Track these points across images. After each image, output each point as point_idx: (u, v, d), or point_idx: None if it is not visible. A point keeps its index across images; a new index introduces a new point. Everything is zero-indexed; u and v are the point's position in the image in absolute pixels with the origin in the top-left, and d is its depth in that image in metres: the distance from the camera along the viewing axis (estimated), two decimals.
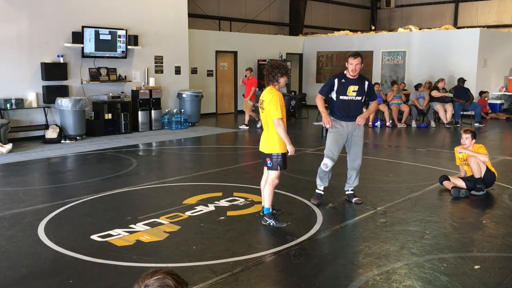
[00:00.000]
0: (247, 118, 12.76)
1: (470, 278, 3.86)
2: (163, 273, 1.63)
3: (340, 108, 5.75)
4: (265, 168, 5.23)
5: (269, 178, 5.12)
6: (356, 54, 5.70)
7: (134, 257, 4.27)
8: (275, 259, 4.27)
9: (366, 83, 5.80)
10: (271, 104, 4.91)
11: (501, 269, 4.08)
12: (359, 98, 5.75)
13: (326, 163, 5.80)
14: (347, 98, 5.72)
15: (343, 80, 5.73)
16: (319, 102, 5.91)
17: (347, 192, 6.06)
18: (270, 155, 5.05)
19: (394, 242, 4.67)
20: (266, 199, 5.15)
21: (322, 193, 5.94)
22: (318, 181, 5.95)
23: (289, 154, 5.07)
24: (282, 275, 3.97)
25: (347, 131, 5.78)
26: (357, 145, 5.86)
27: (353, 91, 5.71)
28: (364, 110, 6.01)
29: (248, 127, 12.54)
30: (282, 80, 5.03)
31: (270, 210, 5.16)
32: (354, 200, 5.96)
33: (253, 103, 12.61)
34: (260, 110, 5.14)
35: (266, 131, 5.09)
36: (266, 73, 5.05)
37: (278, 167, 5.06)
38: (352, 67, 5.66)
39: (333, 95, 5.79)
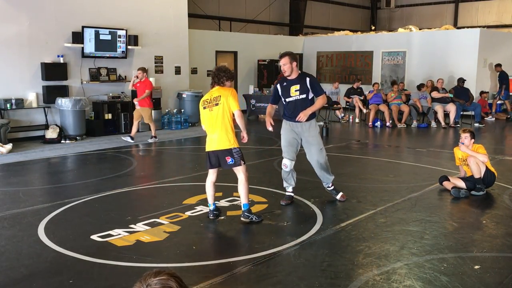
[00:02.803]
0: (153, 128, 10.67)
1: (470, 278, 3.86)
2: (166, 274, 1.62)
3: (288, 109, 5.78)
4: (212, 170, 5.26)
5: (241, 175, 5.16)
6: (282, 55, 5.64)
7: (134, 257, 4.27)
8: (275, 259, 4.27)
9: (307, 79, 5.68)
10: (232, 98, 5.07)
11: (501, 269, 4.08)
12: (303, 96, 5.66)
13: (285, 163, 5.80)
14: (292, 99, 5.70)
15: (284, 83, 5.73)
16: (267, 110, 5.90)
17: (328, 189, 6.06)
18: (230, 151, 5.09)
19: (394, 242, 4.67)
20: (244, 196, 5.20)
21: (292, 194, 5.94)
22: (284, 183, 5.97)
23: (244, 140, 5.28)
24: (282, 275, 3.97)
25: (298, 131, 5.77)
26: (312, 144, 5.79)
27: (296, 90, 5.68)
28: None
29: (157, 139, 10.68)
30: (228, 83, 5.20)
31: (249, 206, 5.25)
32: (338, 197, 5.98)
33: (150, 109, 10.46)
34: (206, 110, 5.12)
35: (218, 129, 5.08)
36: (212, 75, 5.21)
37: (242, 161, 5.16)
38: (284, 68, 5.63)
39: (282, 99, 5.84)
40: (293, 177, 5.93)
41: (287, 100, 5.73)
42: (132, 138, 10.42)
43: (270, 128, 5.69)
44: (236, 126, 5.17)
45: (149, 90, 10.26)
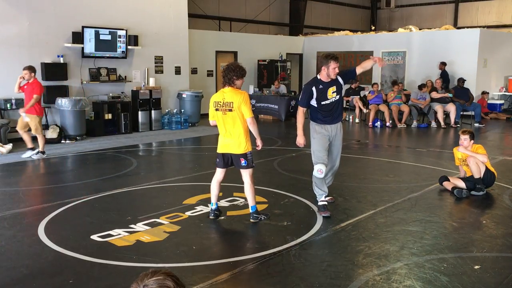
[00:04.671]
0: (41, 141, 8.69)
1: (470, 278, 3.86)
2: (163, 274, 1.62)
3: (323, 113, 5.58)
4: (221, 170, 5.29)
5: (247, 178, 5.18)
6: (337, 58, 5.55)
7: (134, 257, 4.27)
8: (275, 259, 4.27)
9: (339, 77, 5.60)
10: (245, 105, 5.04)
11: (501, 269, 4.08)
12: (338, 96, 5.61)
13: (321, 169, 5.51)
14: (329, 102, 5.55)
15: (320, 86, 5.54)
16: (300, 117, 5.62)
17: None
18: (245, 155, 5.11)
19: (394, 242, 4.67)
20: (251, 198, 5.23)
21: (327, 202, 5.58)
22: (318, 191, 5.58)
23: (258, 148, 5.27)
24: (282, 275, 3.97)
25: (332, 135, 5.65)
26: (338, 147, 5.75)
27: (333, 92, 5.56)
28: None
29: (45, 155, 8.72)
30: (238, 83, 5.14)
31: (256, 208, 5.29)
32: (327, 199, 5.77)
33: (39, 118, 8.61)
34: (219, 112, 5.09)
35: (233, 134, 5.09)
36: (222, 74, 5.15)
37: (253, 164, 5.22)
38: (335, 71, 5.47)
39: (313, 102, 5.58)
40: (326, 182, 5.73)
41: (323, 103, 5.54)
42: (32, 149, 8.73)
43: (302, 144, 5.61)
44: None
45: (37, 95, 8.46)
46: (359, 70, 5.74)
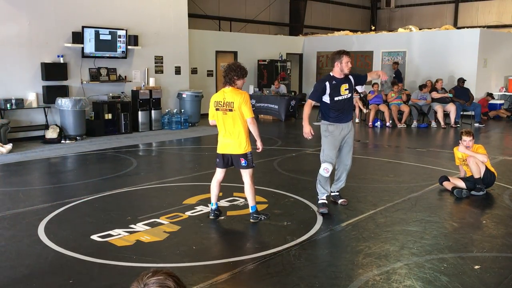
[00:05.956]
0: None
1: (470, 278, 3.87)
2: (164, 274, 1.62)
3: (336, 110, 5.56)
4: (221, 170, 5.29)
5: (247, 178, 5.17)
6: (348, 52, 5.59)
7: (134, 257, 4.27)
8: (275, 259, 4.27)
9: (350, 76, 5.64)
10: (245, 105, 5.02)
11: (501, 269, 4.08)
12: (350, 94, 5.65)
13: (327, 168, 5.53)
14: (341, 98, 5.56)
15: (334, 82, 5.55)
16: (307, 109, 5.60)
17: (332, 194, 5.92)
18: (245, 155, 5.11)
19: (394, 242, 4.67)
20: (251, 198, 5.23)
21: (327, 201, 5.63)
22: (320, 189, 5.62)
23: (259, 151, 5.25)
24: (282, 275, 3.97)
25: (343, 133, 5.62)
26: (349, 146, 5.73)
27: (345, 89, 5.58)
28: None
29: None
30: (239, 83, 5.11)
31: (256, 208, 5.28)
32: (340, 201, 5.86)
33: None
34: (220, 112, 5.09)
35: (233, 134, 5.09)
36: (223, 74, 5.14)
37: (253, 164, 5.21)
38: (348, 65, 5.50)
39: (326, 99, 5.56)
40: (329, 182, 5.76)
41: (336, 99, 5.54)
42: None
43: (310, 137, 5.58)
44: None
45: None
46: (368, 78, 5.94)
